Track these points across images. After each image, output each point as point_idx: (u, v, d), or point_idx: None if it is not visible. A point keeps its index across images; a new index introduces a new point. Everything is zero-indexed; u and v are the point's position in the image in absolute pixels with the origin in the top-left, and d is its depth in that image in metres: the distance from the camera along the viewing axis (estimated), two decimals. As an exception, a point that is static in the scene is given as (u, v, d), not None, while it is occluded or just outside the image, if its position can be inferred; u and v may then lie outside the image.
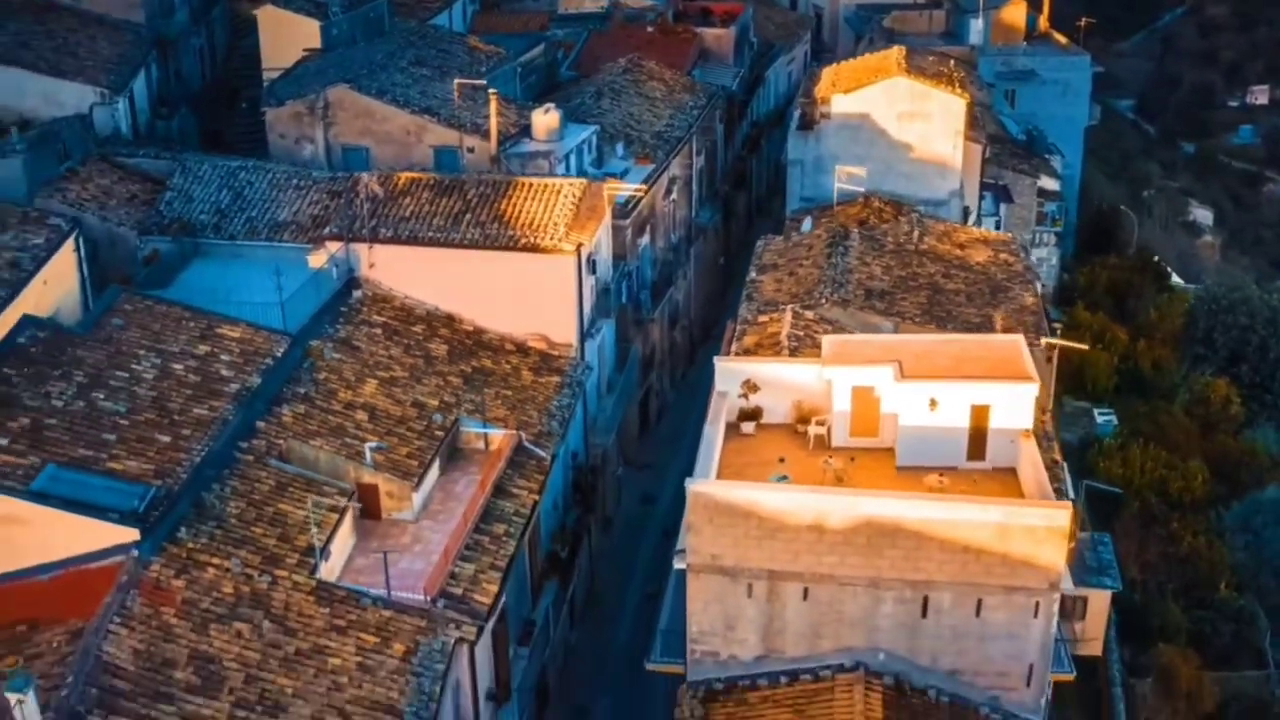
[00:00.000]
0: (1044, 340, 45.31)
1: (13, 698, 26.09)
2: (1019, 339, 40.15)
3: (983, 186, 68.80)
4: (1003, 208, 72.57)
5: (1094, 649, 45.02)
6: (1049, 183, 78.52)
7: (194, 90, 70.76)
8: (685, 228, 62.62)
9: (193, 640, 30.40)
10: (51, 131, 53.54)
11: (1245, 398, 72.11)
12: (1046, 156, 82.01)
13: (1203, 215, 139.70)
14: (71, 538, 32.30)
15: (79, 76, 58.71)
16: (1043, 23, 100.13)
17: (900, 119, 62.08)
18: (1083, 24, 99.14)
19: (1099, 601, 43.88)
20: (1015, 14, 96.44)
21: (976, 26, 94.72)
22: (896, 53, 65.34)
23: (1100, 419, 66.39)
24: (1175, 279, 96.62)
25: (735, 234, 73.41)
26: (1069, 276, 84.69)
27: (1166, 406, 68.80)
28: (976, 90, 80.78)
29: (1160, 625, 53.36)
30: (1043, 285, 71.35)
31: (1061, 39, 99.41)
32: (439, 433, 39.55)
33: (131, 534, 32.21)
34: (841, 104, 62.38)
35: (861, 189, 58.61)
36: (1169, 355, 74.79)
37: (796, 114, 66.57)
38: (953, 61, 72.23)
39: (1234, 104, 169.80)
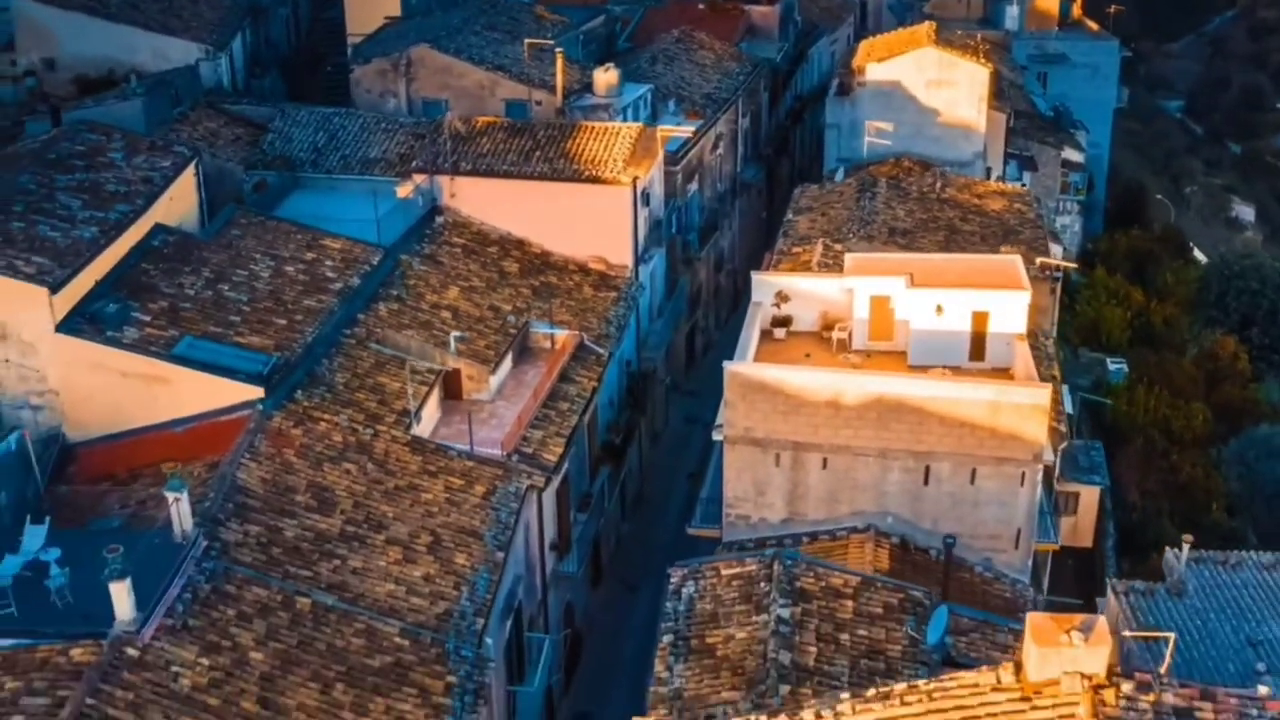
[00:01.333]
0: (1038, 260, 50.80)
1: (170, 496, 32.30)
2: (1016, 258, 45.86)
3: (1008, 155, 74.27)
4: (1027, 175, 77.95)
5: (1085, 540, 50.47)
6: (1073, 155, 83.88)
7: (281, 55, 77.31)
8: (731, 181, 68.63)
9: (310, 474, 36.58)
10: (165, 80, 60.11)
11: (1254, 358, 77.20)
12: (1072, 131, 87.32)
13: (1245, 212, 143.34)
14: (206, 395, 38.58)
15: (185, 34, 65.38)
16: (1076, 10, 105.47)
17: (929, 86, 67.60)
18: (1113, 10, 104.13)
19: (1089, 496, 49.39)
20: (1049, 1, 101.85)
21: (1012, 13, 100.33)
22: (927, 26, 70.95)
23: (1112, 367, 71.68)
24: (1197, 254, 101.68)
25: (778, 195, 79.16)
26: (1092, 245, 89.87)
27: (1175, 358, 74.00)
28: (1009, 71, 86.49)
29: (1156, 540, 58.72)
30: (1065, 248, 77.08)
31: (1093, 26, 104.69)
32: (512, 330, 45.71)
33: (257, 392, 38.43)
34: (875, 72, 68.01)
35: (889, 142, 64.28)
36: (1180, 313, 79.92)
37: (835, 82, 72.48)
38: (980, 35, 77.66)
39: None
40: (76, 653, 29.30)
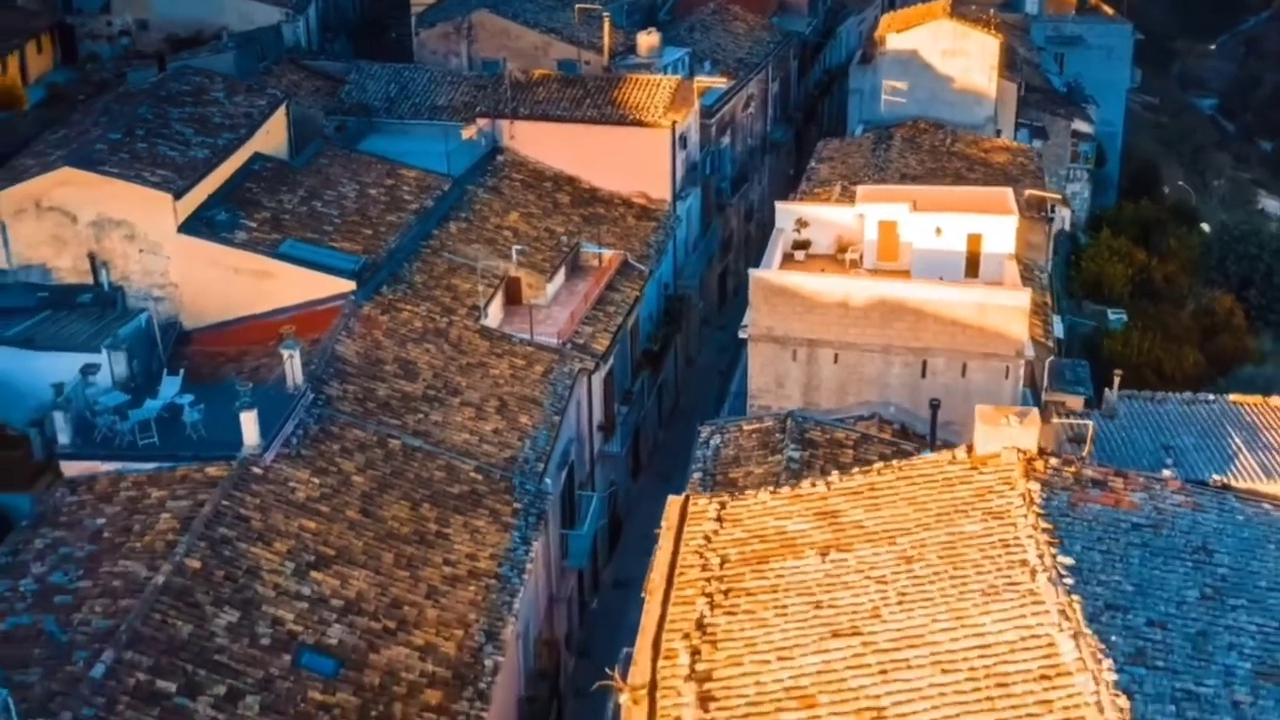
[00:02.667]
0: (1027, 192, 56.95)
1: (285, 353, 38.85)
2: (1007, 190, 52.12)
3: (1019, 124, 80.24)
4: (1038, 143, 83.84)
5: (1072, 448, 56.42)
6: (1083, 126, 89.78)
7: (349, 22, 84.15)
8: (761, 139, 75.06)
9: (395, 350, 43.11)
10: (252, 37, 66.96)
11: (1251, 317, 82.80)
12: (1083, 105, 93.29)
13: (1271, 205, 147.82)
14: (305, 288, 45.09)
15: (267, -1, 72.30)
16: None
17: (944, 55, 73.60)
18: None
19: (1074, 405, 55.25)
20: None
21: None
22: (943, 1, 77.14)
23: (1113, 317, 77.51)
24: (1205, 228, 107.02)
25: (806, 156, 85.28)
26: (1100, 212, 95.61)
27: (1174, 310, 79.77)
28: (1026, 50, 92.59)
29: (1144, 465, 64.66)
30: (1073, 212, 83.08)
31: (1109, 10, 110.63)
32: (565, 249, 52.21)
33: (349, 285, 44.93)
34: (895, 41, 74.14)
35: (904, 101, 70.50)
36: (1181, 272, 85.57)
37: (859, 53, 78.83)
38: (992, 10, 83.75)
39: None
40: (211, 470, 35.83)
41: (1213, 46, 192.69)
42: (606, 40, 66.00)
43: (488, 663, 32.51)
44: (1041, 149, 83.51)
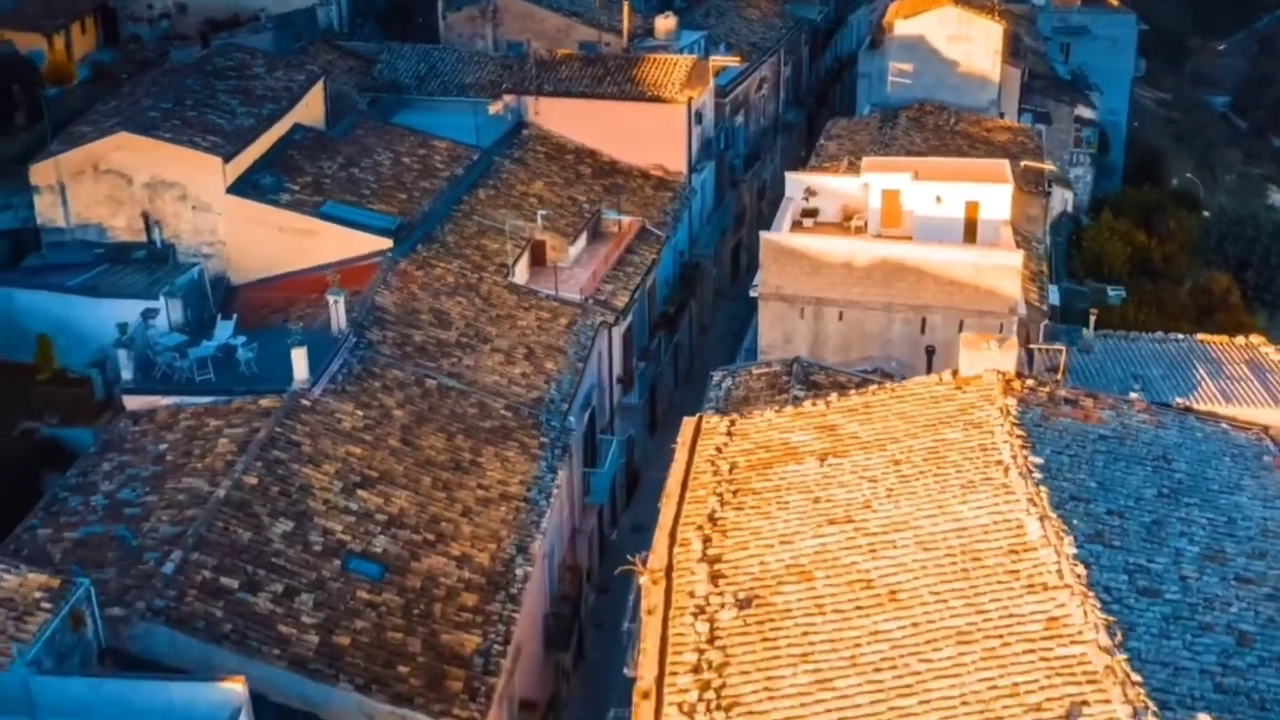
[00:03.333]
0: (1023, 163, 60.05)
1: (331, 299, 42.12)
2: (1004, 161, 55.22)
3: (1023, 109, 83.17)
4: (1041, 128, 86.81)
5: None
6: (1085, 112, 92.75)
7: (377, 9, 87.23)
8: (773, 120, 78.21)
9: (430, 302, 46.35)
10: (289, 19, 70.22)
11: (1248, 298, 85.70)
12: (1087, 92, 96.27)
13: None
14: (345, 246, 48.29)
15: (302, -17, 75.44)
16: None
17: (949, 40, 76.52)
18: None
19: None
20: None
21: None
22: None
23: (1111, 293, 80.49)
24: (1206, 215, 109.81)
25: (817, 138, 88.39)
26: (1103, 196, 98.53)
27: (1172, 288, 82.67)
28: (1032, 40, 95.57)
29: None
30: (1075, 195, 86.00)
31: (1114, 1, 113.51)
32: (587, 215, 55.43)
33: (386, 243, 48.20)
34: (902, 27, 77.13)
35: (909, 82, 73.59)
36: (1179, 253, 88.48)
37: (868, 38, 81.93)
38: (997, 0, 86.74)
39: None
40: (264, 402, 39.07)
41: (1224, 45, 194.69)
42: (626, 23, 69.28)
43: (518, 572, 35.74)
44: (1045, 133, 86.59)
